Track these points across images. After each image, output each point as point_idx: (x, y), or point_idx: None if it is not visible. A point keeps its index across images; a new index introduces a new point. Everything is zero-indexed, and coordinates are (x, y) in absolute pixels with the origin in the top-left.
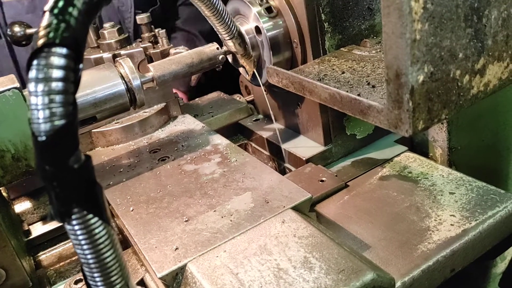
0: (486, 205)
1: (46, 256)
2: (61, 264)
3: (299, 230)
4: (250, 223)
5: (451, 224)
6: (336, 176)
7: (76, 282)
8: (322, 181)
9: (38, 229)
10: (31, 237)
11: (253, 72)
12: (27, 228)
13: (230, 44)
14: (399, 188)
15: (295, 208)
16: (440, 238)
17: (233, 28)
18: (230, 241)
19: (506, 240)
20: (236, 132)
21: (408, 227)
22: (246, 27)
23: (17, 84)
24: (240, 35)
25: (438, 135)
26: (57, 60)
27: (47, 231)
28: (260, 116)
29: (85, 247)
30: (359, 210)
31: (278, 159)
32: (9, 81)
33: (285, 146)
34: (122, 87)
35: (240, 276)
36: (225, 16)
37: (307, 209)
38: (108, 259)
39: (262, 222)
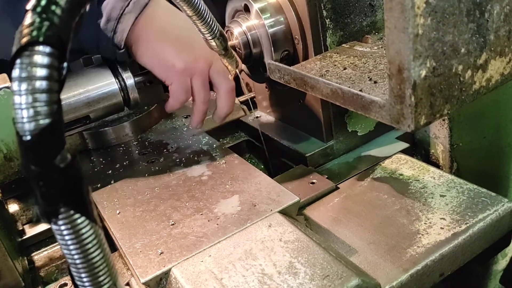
0: (477, 208)
1: (40, 256)
2: (62, 261)
3: (285, 234)
4: (236, 227)
5: (441, 228)
6: (327, 178)
7: (60, 287)
8: (312, 183)
9: (32, 229)
10: (25, 237)
11: (238, 74)
12: (21, 228)
13: (213, 44)
14: (390, 191)
15: (283, 212)
16: (430, 241)
17: (215, 28)
18: (215, 245)
19: (496, 243)
20: (236, 129)
21: (398, 230)
22: (248, 23)
23: (9, 84)
24: (222, 35)
25: (440, 132)
26: (40, 59)
27: (41, 230)
28: (261, 113)
29: (71, 247)
30: (348, 213)
31: (279, 155)
32: (1, 81)
33: (286, 143)
34: (115, 86)
35: (224, 281)
36: (207, 16)
37: (295, 213)
38: (95, 259)
39: (248, 226)
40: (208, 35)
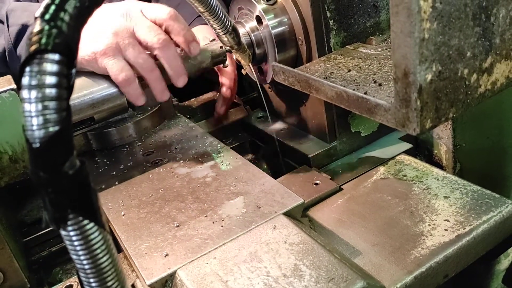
0: (481, 210)
1: (45, 256)
2: (66, 259)
3: (290, 237)
4: (241, 229)
5: (445, 229)
6: (330, 179)
7: None
8: (316, 184)
9: (37, 230)
10: (30, 238)
11: (251, 68)
12: (25, 229)
13: (225, 39)
14: (394, 192)
15: (287, 214)
16: (434, 243)
17: (227, 23)
18: (220, 247)
19: (500, 244)
20: (240, 130)
21: (402, 232)
22: (251, 24)
23: (14, 86)
24: (234, 30)
25: (443, 132)
26: (49, 67)
27: (46, 231)
28: (265, 114)
29: (80, 252)
30: (352, 214)
31: (283, 156)
32: (6, 82)
33: (289, 144)
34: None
35: (229, 284)
36: (219, 11)
37: (300, 214)
38: (104, 264)
39: (253, 228)
40: (220, 30)
